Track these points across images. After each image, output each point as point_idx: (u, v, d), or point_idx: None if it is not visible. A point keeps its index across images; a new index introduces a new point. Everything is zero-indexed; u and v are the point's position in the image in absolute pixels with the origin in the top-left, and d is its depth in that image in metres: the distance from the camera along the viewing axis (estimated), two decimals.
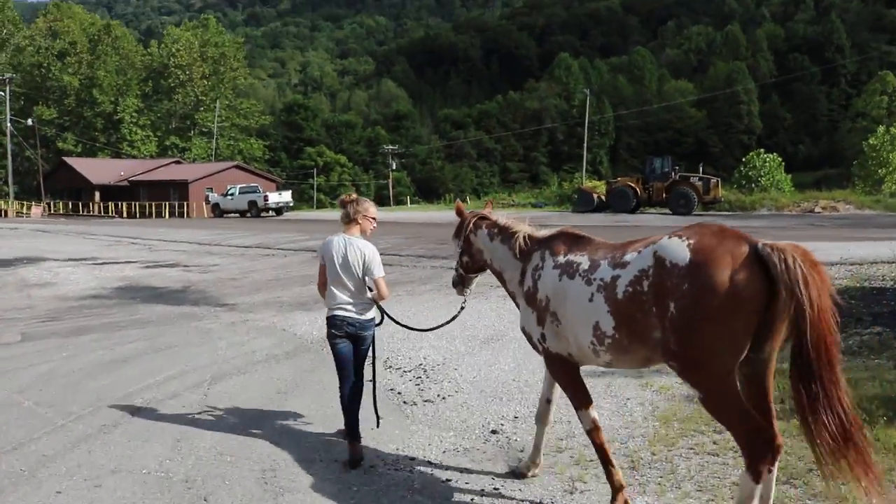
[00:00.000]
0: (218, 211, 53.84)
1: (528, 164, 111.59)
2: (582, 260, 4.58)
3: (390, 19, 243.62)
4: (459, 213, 5.78)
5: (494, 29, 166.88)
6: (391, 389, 7.41)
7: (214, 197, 55.54)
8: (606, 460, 4.60)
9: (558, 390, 5.07)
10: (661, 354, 4.01)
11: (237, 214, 52.61)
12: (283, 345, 9.52)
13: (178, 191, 62.64)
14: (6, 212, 60.65)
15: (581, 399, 4.78)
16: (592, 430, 4.69)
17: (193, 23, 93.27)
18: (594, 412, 4.74)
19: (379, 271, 5.58)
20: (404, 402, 7.02)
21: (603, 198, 47.37)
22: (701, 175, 45.75)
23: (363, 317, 5.59)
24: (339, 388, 5.64)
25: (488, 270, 5.64)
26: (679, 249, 3.84)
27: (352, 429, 5.52)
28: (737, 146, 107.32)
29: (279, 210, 52.50)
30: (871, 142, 52.47)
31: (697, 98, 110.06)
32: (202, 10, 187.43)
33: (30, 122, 67.53)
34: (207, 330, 10.58)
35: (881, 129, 54.86)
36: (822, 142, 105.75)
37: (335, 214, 43.01)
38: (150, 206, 60.68)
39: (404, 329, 6.77)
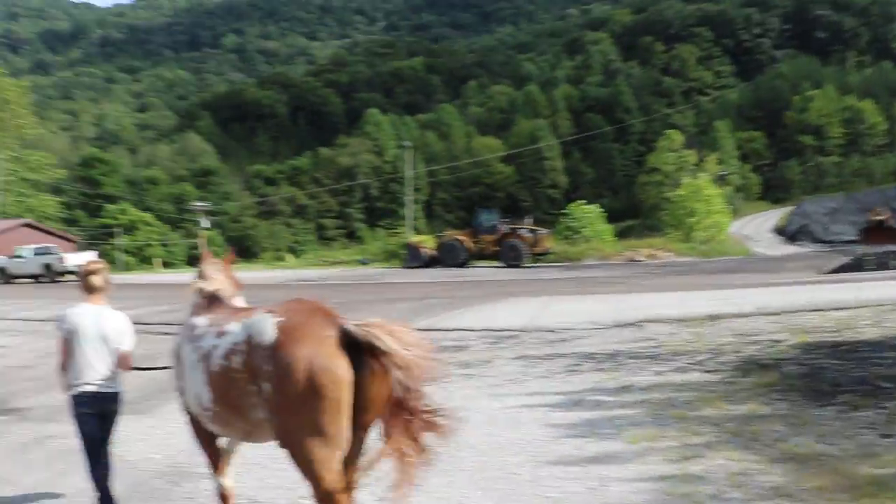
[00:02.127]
0: (4, 276, 47.26)
1: (344, 220, 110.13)
2: (200, 323, 4.42)
3: (191, 73, 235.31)
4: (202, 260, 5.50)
5: (300, 85, 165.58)
6: None
7: (1, 259, 48.88)
8: None
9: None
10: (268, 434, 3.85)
11: (29, 280, 46.47)
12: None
13: None
14: None
15: (213, 464, 4.76)
16: (220, 497, 4.75)
17: None
18: (225, 480, 4.75)
19: (131, 343, 5.37)
20: None
21: (428, 253, 46.83)
22: (529, 227, 46.34)
23: (112, 390, 5.26)
24: (91, 471, 5.19)
25: None
26: (265, 327, 3.71)
27: None
28: (545, 200, 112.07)
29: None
30: (680, 192, 55.59)
31: (505, 154, 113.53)
32: None
33: None
34: None
35: (686, 180, 58.45)
36: (620, 195, 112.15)
37: (147, 277, 38.87)
38: None
39: None
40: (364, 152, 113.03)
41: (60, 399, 9.43)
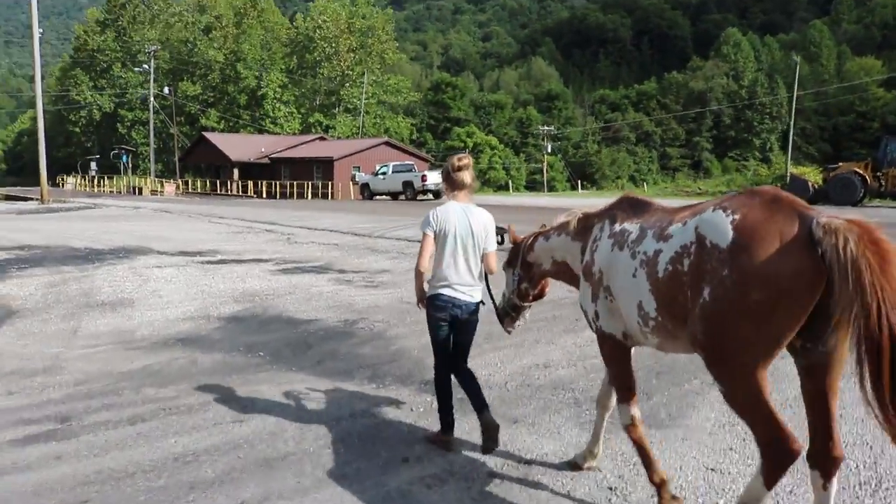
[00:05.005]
0: (367, 192, 48.12)
1: (690, 149, 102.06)
2: (633, 229, 4.00)
3: (533, 1, 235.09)
4: (515, 241, 5.14)
5: (645, 8, 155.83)
6: None
7: (363, 176, 49.90)
8: (646, 457, 4.09)
9: None
10: (690, 342, 3.47)
11: (389, 196, 46.85)
12: None
13: (321, 169, 57.54)
14: (141, 189, 57.92)
15: (625, 392, 4.22)
16: (630, 427, 4.16)
17: None
18: (636, 409, 4.17)
19: (494, 244, 4.90)
20: None
21: (815, 186, 39.97)
22: None
23: (473, 299, 4.76)
24: (435, 374, 4.84)
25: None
26: (721, 227, 3.22)
27: (446, 422, 4.79)
28: None
29: (438, 192, 45.23)
30: None
31: (886, 77, 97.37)
32: None
33: (166, 90, 64.97)
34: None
35: None
36: None
37: (494, 198, 36.22)
38: (292, 185, 55.93)
39: None
40: (718, 76, 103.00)
41: (503, 360, 6.94)
